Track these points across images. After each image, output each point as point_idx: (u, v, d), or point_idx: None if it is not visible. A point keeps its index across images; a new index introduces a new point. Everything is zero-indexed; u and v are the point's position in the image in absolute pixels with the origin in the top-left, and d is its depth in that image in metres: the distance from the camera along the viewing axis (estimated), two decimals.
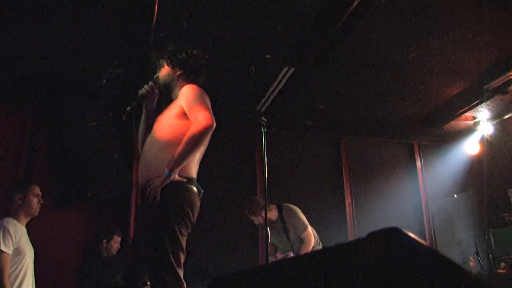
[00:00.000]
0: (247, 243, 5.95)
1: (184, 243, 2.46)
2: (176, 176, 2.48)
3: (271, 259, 5.00)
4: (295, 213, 4.93)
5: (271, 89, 5.44)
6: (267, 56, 4.77)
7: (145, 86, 2.92)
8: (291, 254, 4.89)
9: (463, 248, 6.52)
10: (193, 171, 2.65)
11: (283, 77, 5.13)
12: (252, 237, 5.98)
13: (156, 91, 2.95)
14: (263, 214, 4.67)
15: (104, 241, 4.64)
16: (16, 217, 3.39)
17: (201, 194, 2.68)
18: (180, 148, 2.46)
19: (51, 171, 4.93)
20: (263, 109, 5.97)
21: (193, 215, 2.55)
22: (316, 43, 4.53)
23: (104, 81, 4.92)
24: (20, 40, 4.36)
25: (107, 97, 5.05)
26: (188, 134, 2.48)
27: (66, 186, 4.80)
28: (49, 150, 5.00)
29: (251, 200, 4.95)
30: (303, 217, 4.94)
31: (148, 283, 2.51)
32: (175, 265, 2.36)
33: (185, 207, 2.49)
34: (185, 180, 2.55)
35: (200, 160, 2.75)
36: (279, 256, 5.00)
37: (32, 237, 3.54)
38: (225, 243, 5.82)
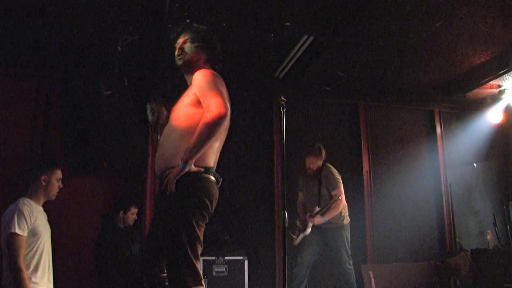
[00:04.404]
0: (263, 212, 5.95)
1: (201, 235, 2.43)
2: (192, 167, 2.41)
3: (299, 220, 5.21)
4: (332, 171, 5.15)
5: (290, 56, 5.29)
6: (286, 23, 4.60)
7: (148, 113, 2.94)
8: (317, 209, 4.96)
9: (480, 218, 6.48)
10: (211, 161, 2.57)
11: (302, 44, 4.98)
12: (268, 206, 5.98)
13: (159, 108, 2.95)
14: (319, 160, 5.13)
15: (121, 212, 4.65)
16: (34, 197, 3.38)
17: (220, 182, 2.62)
18: (193, 139, 2.37)
19: (66, 139, 4.90)
20: (282, 75, 5.84)
21: (211, 205, 2.50)
22: (338, 11, 4.34)
23: (119, 48, 4.80)
24: (34, 7, 4.23)
25: (122, 65, 4.94)
26: (201, 124, 2.37)
27: (82, 155, 4.76)
28: (64, 118, 4.95)
29: (313, 144, 5.23)
30: (339, 178, 5.14)
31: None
32: (192, 258, 2.34)
33: (202, 198, 2.44)
34: (202, 170, 2.48)
35: (220, 149, 2.67)
36: (308, 217, 5.05)
37: (48, 207, 3.54)
38: (242, 211, 5.83)
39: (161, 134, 2.86)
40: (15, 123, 5.11)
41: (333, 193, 5.00)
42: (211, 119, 2.36)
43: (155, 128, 2.95)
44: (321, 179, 5.10)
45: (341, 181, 5.11)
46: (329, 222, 4.93)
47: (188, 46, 2.82)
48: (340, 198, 4.94)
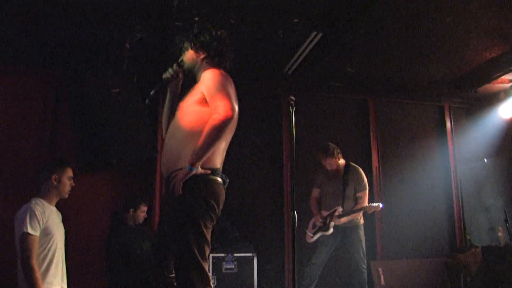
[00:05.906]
0: (272, 208, 5.95)
1: (209, 236, 2.43)
2: (199, 169, 2.41)
3: (314, 218, 5.20)
4: (361, 172, 5.16)
5: (299, 52, 5.27)
6: (295, 20, 4.57)
7: (169, 70, 2.83)
8: (340, 209, 4.96)
9: (491, 214, 6.41)
10: (218, 162, 2.57)
11: (311, 41, 4.95)
12: (278, 202, 5.97)
13: (181, 75, 2.87)
14: (338, 159, 5.12)
15: (131, 210, 4.66)
16: (46, 197, 3.40)
17: (226, 183, 2.62)
18: (200, 141, 2.37)
19: (75, 136, 4.91)
20: (290, 71, 5.81)
21: (218, 207, 2.51)
22: (347, 7, 4.30)
23: (127, 45, 4.80)
24: (44, 5, 4.24)
25: (131, 62, 4.94)
26: (208, 126, 2.38)
27: (91, 152, 4.78)
28: (73, 115, 4.97)
29: (327, 145, 5.16)
30: (366, 179, 5.16)
31: None
32: (200, 259, 2.34)
33: (209, 200, 2.44)
34: (209, 171, 2.47)
35: (226, 149, 2.66)
36: (324, 213, 5.08)
37: (58, 206, 3.55)
38: (251, 208, 5.83)
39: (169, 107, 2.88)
40: (24, 121, 5.14)
41: (358, 194, 5.04)
42: (218, 122, 2.36)
43: (160, 88, 2.88)
44: (347, 179, 5.08)
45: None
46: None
47: (185, 56, 2.84)
48: (365, 199, 5.02)
